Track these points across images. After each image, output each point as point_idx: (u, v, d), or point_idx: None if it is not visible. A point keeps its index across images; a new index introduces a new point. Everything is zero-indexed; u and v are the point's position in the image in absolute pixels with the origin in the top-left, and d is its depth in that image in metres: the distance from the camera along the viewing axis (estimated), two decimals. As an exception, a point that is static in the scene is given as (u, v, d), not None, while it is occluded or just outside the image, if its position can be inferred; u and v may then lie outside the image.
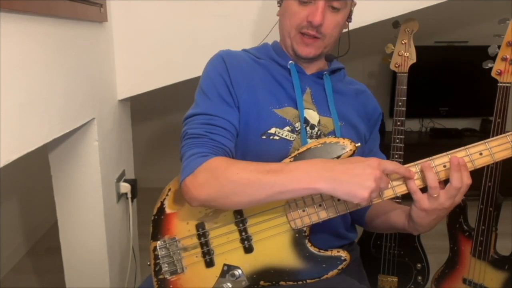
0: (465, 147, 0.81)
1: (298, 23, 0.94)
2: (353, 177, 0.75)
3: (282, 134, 0.95)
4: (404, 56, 1.56)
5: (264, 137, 0.94)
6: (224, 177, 0.80)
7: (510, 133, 0.81)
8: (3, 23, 0.78)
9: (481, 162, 0.81)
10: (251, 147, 0.95)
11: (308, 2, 0.92)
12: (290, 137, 0.95)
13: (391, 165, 0.79)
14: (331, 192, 0.76)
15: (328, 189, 0.76)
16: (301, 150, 0.89)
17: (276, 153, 0.93)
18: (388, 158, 1.14)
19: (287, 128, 0.95)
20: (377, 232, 1.62)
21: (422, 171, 0.81)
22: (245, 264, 0.91)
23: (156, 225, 0.96)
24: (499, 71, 1.35)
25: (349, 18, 1.00)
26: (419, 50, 1.56)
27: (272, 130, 0.94)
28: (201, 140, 0.88)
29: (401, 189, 0.83)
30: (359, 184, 0.74)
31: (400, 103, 1.55)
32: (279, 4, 1.02)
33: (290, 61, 0.99)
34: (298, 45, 0.96)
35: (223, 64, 0.97)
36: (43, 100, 0.96)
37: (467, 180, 0.79)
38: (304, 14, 0.93)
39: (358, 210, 1.03)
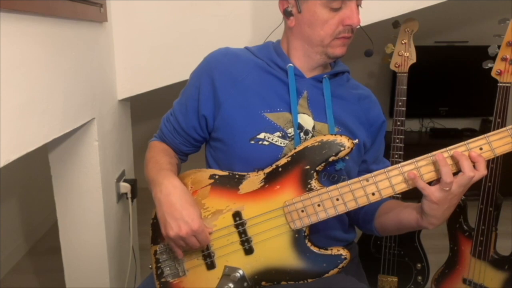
0: (465, 142, 0.79)
1: (334, 29, 0.91)
2: (170, 216, 0.87)
3: (271, 140, 0.94)
4: (404, 56, 1.56)
5: (252, 142, 0.94)
6: (147, 154, 1.05)
7: (511, 126, 0.79)
8: (3, 23, 0.78)
9: None
10: (239, 151, 0.95)
11: (339, 8, 0.89)
12: (281, 143, 0.94)
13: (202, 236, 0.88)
14: (157, 211, 0.91)
15: (158, 208, 0.90)
16: (298, 148, 0.89)
17: (265, 159, 0.92)
18: (388, 158, 1.13)
19: (277, 133, 0.94)
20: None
21: (435, 164, 0.80)
22: (246, 265, 0.91)
23: (156, 228, 0.96)
24: (499, 71, 1.35)
25: None
26: (419, 50, 1.56)
27: (261, 135, 0.93)
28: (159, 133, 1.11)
29: (400, 187, 0.83)
30: (169, 224, 0.87)
31: (400, 103, 1.55)
32: (287, 16, 0.95)
33: (289, 64, 0.97)
34: (335, 48, 0.93)
35: (209, 68, 0.99)
36: (43, 100, 0.96)
37: (483, 171, 0.78)
38: (337, 19, 0.90)
39: (365, 217, 1.03)
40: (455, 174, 0.80)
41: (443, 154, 0.79)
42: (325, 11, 0.89)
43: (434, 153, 0.80)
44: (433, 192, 0.80)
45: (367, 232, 1.09)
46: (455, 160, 0.79)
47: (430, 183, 0.81)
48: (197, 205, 0.90)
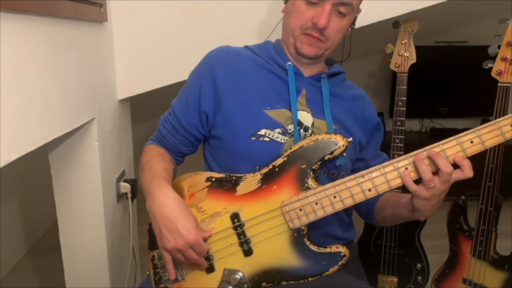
0: (456, 136, 0.82)
1: (303, 23, 0.93)
2: (165, 228, 0.86)
3: (272, 136, 0.94)
4: (404, 56, 1.56)
5: (253, 138, 0.94)
6: (142, 159, 1.05)
7: (500, 119, 0.81)
8: (3, 23, 0.78)
9: (472, 150, 0.81)
10: (240, 148, 0.95)
11: (315, 3, 0.92)
12: (281, 139, 0.94)
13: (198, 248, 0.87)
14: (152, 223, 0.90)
15: (152, 220, 0.89)
16: (294, 148, 0.89)
17: (266, 155, 0.93)
18: (388, 158, 1.13)
19: (278, 130, 0.94)
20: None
21: (414, 164, 0.82)
22: (245, 267, 0.91)
23: (153, 234, 0.94)
24: (499, 71, 1.35)
25: (352, 24, 1.00)
26: (419, 50, 1.56)
27: (262, 132, 0.94)
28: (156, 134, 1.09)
29: (395, 183, 0.84)
30: (165, 237, 0.86)
31: (400, 103, 1.56)
32: (285, 1, 1.01)
33: (289, 62, 0.98)
34: (302, 44, 0.96)
35: (210, 65, 1.00)
36: (43, 100, 0.96)
37: (469, 173, 0.80)
38: (310, 14, 0.92)
39: (366, 211, 1.06)
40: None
41: (421, 155, 0.83)
42: (302, 3, 0.93)
43: (426, 148, 0.83)
44: (421, 191, 0.82)
45: (370, 223, 1.14)
46: (432, 160, 0.82)
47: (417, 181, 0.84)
48: (192, 214, 0.89)
